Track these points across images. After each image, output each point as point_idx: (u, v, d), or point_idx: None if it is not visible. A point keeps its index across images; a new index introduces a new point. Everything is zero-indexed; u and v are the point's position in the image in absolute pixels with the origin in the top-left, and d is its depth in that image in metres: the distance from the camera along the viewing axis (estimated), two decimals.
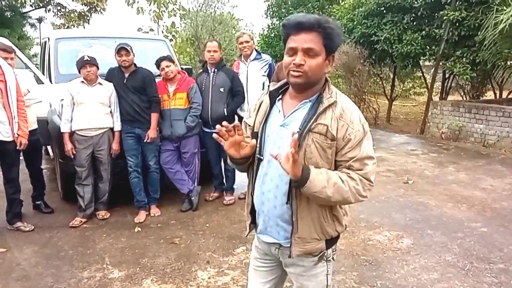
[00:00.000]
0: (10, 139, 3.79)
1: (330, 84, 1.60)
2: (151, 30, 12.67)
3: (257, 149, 1.63)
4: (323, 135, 1.52)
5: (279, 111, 1.62)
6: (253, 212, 1.75)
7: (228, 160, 1.68)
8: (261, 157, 1.63)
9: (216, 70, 4.57)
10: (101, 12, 15.86)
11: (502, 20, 6.95)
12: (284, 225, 1.64)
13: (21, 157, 4.19)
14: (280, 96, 1.66)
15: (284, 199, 1.58)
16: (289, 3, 14.73)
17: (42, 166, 4.76)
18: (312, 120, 1.52)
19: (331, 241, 1.68)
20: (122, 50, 4.16)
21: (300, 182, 1.47)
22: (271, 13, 15.64)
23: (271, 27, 15.49)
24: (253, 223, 1.78)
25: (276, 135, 1.60)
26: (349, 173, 1.53)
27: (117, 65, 4.30)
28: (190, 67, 6.95)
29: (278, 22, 15.23)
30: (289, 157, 1.38)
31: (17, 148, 3.83)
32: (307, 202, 1.58)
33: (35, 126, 4.35)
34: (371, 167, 1.55)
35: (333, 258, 1.76)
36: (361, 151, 1.53)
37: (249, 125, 1.71)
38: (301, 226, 1.60)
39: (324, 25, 1.48)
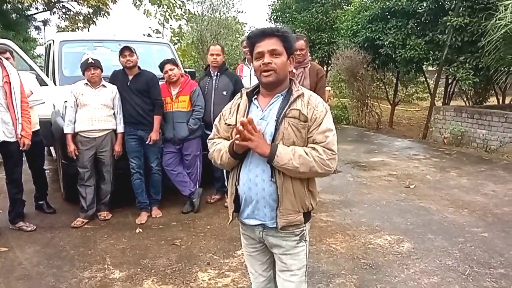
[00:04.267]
0: (14, 139, 3.83)
1: (296, 81, 1.92)
2: (158, 32, 12.75)
3: None
4: (296, 118, 1.80)
5: (257, 107, 1.90)
6: (236, 201, 1.93)
7: (227, 157, 1.87)
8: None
9: (219, 73, 4.60)
10: (106, 16, 15.95)
11: (501, 25, 6.97)
12: (272, 203, 1.85)
13: (24, 158, 4.22)
14: (255, 96, 1.93)
15: (270, 178, 1.81)
16: (293, 7, 14.79)
17: (45, 167, 4.80)
18: (286, 108, 1.81)
19: (307, 214, 1.92)
20: (125, 50, 4.20)
21: (269, 158, 1.76)
22: (275, 17, 15.70)
23: None
24: (236, 212, 1.96)
25: (257, 127, 1.80)
26: (313, 147, 1.80)
27: (121, 68, 4.34)
28: (193, 70, 6.99)
29: (282, 26, 15.27)
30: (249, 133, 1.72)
31: (20, 148, 3.86)
32: (290, 179, 1.81)
33: (37, 127, 4.39)
34: (332, 138, 1.82)
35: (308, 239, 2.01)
36: (323, 125, 1.81)
37: (230, 125, 1.93)
38: (285, 199, 1.82)
39: (282, 30, 1.83)
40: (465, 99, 11.40)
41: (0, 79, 3.73)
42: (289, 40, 1.83)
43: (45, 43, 9.48)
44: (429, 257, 3.56)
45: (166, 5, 11.91)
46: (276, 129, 1.79)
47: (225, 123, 1.97)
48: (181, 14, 12.80)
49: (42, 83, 5.01)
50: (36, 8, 16.31)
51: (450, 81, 10.60)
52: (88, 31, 16.01)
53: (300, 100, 1.83)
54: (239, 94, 1.98)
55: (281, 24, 15.22)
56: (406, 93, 13.78)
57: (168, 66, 4.37)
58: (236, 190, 1.92)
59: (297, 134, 1.79)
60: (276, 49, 1.79)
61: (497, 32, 7.10)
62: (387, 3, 9.81)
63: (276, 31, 1.82)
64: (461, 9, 8.60)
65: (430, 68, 11.88)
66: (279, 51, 1.79)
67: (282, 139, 1.78)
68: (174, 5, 12.39)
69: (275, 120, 1.81)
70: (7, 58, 4.16)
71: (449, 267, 3.38)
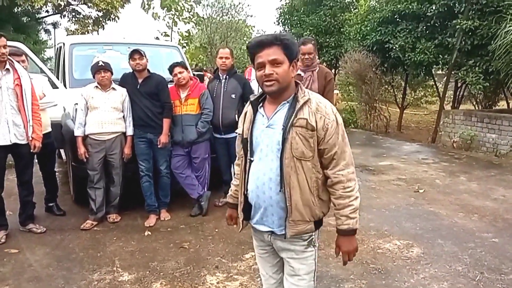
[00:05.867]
0: (25, 142, 3.86)
1: (302, 86, 1.88)
2: (167, 35, 12.83)
3: (248, 152, 1.89)
4: (304, 127, 1.77)
5: (263, 115, 1.88)
6: (244, 209, 1.96)
7: None
8: (252, 159, 1.88)
9: (227, 76, 4.61)
10: (115, 20, 16.06)
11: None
12: (280, 212, 1.85)
13: (35, 160, 4.25)
14: (261, 104, 1.91)
15: (278, 188, 1.81)
16: (301, 10, 14.80)
17: (55, 169, 4.83)
18: (293, 116, 1.78)
19: (318, 223, 1.91)
20: (135, 53, 4.23)
21: (355, 232, 1.89)
22: (283, 20, 15.73)
23: None
24: (245, 219, 1.99)
25: (264, 136, 1.85)
26: (343, 185, 1.82)
27: (131, 71, 4.36)
28: (201, 73, 7.02)
29: (289, 29, 15.30)
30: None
31: (31, 151, 3.89)
32: (299, 190, 1.80)
33: (49, 129, 4.43)
34: (349, 152, 1.86)
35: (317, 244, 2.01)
36: (339, 138, 1.82)
37: (240, 134, 1.97)
38: (294, 211, 1.82)
39: (281, 38, 1.78)
40: (474, 103, 11.33)
41: (12, 81, 3.76)
42: (290, 47, 1.79)
43: (55, 45, 9.58)
44: (438, 262, 3.53)
45: (174, 8, 11.99)
46: (285, 138, 1.77)
47: (236, 132, 2.04)
48: (189, 17, 12.87)
49: (53, 85, 5.07)
50: (47, 11, 16.47)
51: (459, 84, 10.54)
52: (98, 34, 16.14)
53: (307, 107, 1.80)
54: (248, 102, 1.98)
55: (289, 27, 15.25)
56: (415, 97, 13.73)
57: (177, 69, 4.39)
58: (245, 198, 1.93)
59: (305, 144, 1.78)
60: (277, 58, 1.76)
61: (507, 35, 7.04)
62: (398, 6, 9.79)
63: (275, 39, 1.78)
64: (471, 12, 8.54)
65: (439, 71, 11.82)
66: (280, 60, 1.76)
67: (291, 148, 1.77)
68: (183, 8, 12.45)
69: (282, 128, 1.79)
70: (22, 61, 4.21)
71: (459, 273, 3.35)
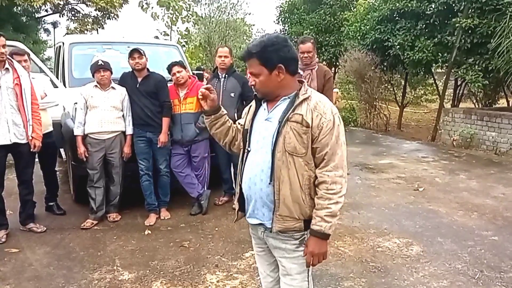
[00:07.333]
0: (25, 141, 3.86)
1: (306, 84, 1.91)
2: (166, 34, 12.83)
3: (247, 143, 1.94)
4: (299, 123, 1.79)
5: (264, 109, 1.95)
6: (240, 200, 2.00)
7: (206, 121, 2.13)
8: (249, 149, 1.92)
9: (226, 75, 4.62)
10: (114, 18, 16.06)
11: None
12: (269, 204, 1.86)
13: (36, 159, 4.26)
14: (264, 98, 1.97)
15: (268, 180, 1.83)
16: (301, 9, 14.80)
17: (55, 169, 4.83)
18: (289, 111, 1.81)
19: (308, 222, 1.86)
20: (135, 52, 4.23)
21: (327, 237, 1.83)
22: (283, 19, 15.72)
23: (282, 33, 15.58)
24: (241, 211, 2.02)
25: (262, 128, 1.90)
26: (326, 185, 1.78)
27: (131, 70, 4.37)
28: (201, 72, 7.01)
29: (289, 28, 15.30)
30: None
31: (31, 150, 3.90)
32: (289, 185, 1.81)
33: (50, 128, 4.44)
34: (341, 155, 1.82)
35: None
36: (333, 139, 1.80)
37: (241, 125, 2.04)
38: (282, 206, 1.83)
39: (253, 51, 1.81)
40: (474, 101, 11.32)
41: (11, 81, 3.76)
42: (266, 56, 1.79)
43: (54, 45, 9.57)
44: (438, 260, 3.54)
45: (173, 7, 12.00)
46: (279, 132, 1.80)
47: (238, 123, 2.09)
48: (187, 16, 12.88)
49: (53, 85, 5.06)
50: (46, 11, 16.47)
51: (459, 83, 10.54)
52: (97, 33, 16.14)
53: (305, 104, 1.82)
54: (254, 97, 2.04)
55: (289, 25, 15.25)
56: (415, 95, 13.72)
57: (176, 68, 4.39)
58: (241, 189, 1.97)
59: (298, 139, 1.79)
60: (253, 71, 1.85)
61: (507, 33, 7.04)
62: (396, 4, 9.78)
63: (247, 54, 1.84)
64: (470, 10, 8.54)
65: (439, 70, 11.81)
66: (255, 72, 1.83)
67: (284, 142, 1.79)
68: (181, 7, 12.46)
69: (278, 122, 1.82)
70: (25, 61, 4.21)
71: (459, 271, 3.36)
